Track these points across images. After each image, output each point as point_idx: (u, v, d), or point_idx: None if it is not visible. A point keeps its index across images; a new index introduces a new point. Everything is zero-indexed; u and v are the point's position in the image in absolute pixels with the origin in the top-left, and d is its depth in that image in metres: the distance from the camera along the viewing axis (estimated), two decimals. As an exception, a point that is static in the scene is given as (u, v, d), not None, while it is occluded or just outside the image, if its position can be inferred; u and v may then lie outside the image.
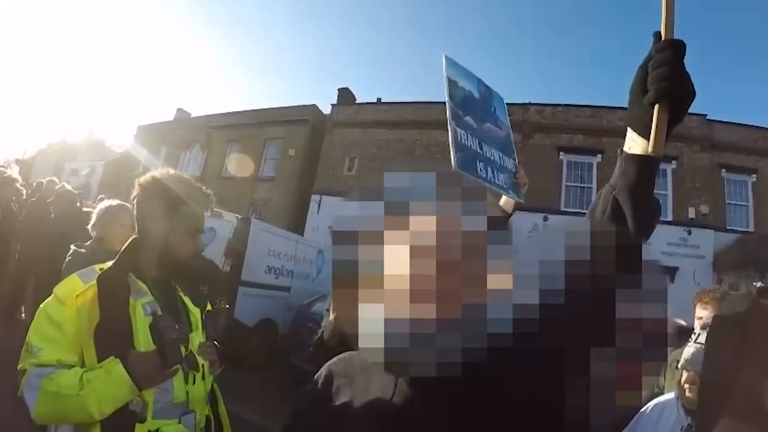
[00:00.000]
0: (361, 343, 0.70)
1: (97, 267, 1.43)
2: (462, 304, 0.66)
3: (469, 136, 1.76)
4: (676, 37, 0.77)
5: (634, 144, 0.81)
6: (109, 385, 1.22)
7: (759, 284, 1.23)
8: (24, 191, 6.25)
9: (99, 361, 1.26)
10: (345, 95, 20.43)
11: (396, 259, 0.68)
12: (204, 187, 1.57)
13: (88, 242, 2.76)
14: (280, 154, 19.94)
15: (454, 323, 0.65)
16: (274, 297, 7.85)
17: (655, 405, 1.89)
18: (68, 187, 6.12)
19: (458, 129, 1.71)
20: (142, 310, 1.36)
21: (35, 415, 1.24)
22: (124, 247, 1.48)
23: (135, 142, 26.71)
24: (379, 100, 20.40)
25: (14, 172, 6.69)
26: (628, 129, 0.83)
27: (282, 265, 8.08)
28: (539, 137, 15.44)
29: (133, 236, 1.50)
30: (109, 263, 1.44)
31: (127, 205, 2.58)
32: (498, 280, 0.69)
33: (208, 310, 1.64)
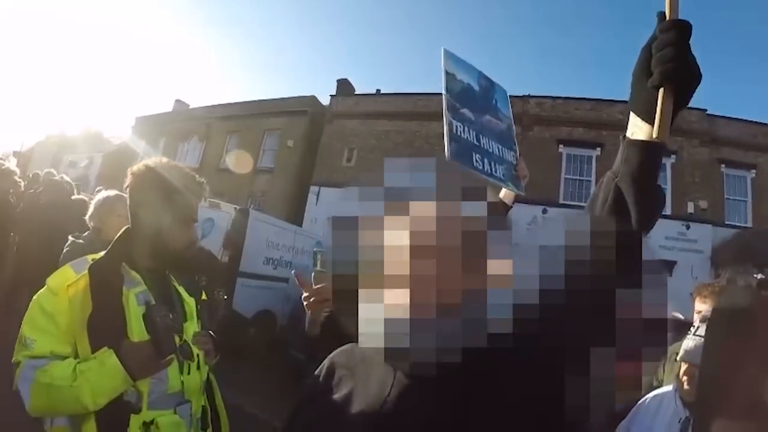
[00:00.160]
0: (361, 329, 0.70)
1: (90, 257, 1.42)
2: (462, 289, 0.66)
3: (465, 128, 1.76)
4: (681, 17, 0.73)
5: (638, 129, 0.78)
6: (102, 375, 1.21)
7: (760, 276, 1.22)
8: (22, 183, 6.23)
9: (93, 352, 1.25)
10: (344, 86, 20.33)
11: (396, 245, 0.67)
12: (197, 176, 1.55)
13: (86, 233, 2.75)
14: (278, 145, 19.88)
15: (454, 309, 0.65)
16: (272, 288, 7.87)
17: (654, 397, 1.89)
18: (67, 178, 6.11)
19: (454, 121, 1.71)
20: (135, 299, 1.35)
21: (30, 408, 1.23)
22: (117, 236, 1.46)
23: (133, 134, 26.61)
24: (378, 91, 20.34)
25: (12, 164, 6.66)
26: (631, 114, 0.80)
27: (280, 256, 8.09)
28: (539, 130, 15.42)
29: (127, 226, 1.49)
30: (102, 253, 1.43)
31: (125, 195, 2.57)
32: (498, 266, 0.69)
33: (203, 300, 1.63)
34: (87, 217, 2.78)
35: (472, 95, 1.89)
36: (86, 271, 1.34)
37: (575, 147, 15.26)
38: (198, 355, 1.46)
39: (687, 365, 1.73)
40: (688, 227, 13.42)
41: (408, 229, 0.68)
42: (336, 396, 0.81)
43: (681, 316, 3.11)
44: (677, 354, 1.83)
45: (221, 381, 1.66)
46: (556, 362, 0.62)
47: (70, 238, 2.71)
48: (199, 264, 1.65)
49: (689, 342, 1.74)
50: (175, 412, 1.36)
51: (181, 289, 1.54)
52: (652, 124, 0.73)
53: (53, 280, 1.36)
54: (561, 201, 14.66)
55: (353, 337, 0.75)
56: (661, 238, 12.92)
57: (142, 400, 1.29)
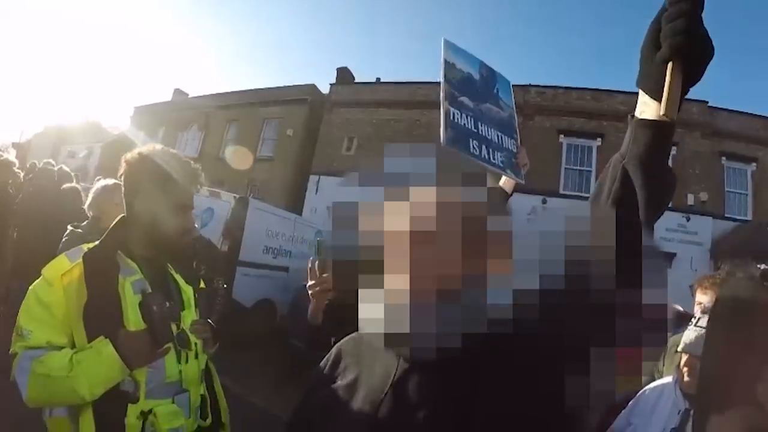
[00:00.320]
0: (361, 315, 0.71)
1: (85, 246, 1.41)
2: (462, 275, 0.66)
3: (463, 115, 1.76)
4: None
5: (646, 108, 0.73)
6: (99, 365, 1.20)
7: (763, 266, 1.21)
8: (21, 174, 6.21)
9: (89, 341, 1.24)
10: (344, 75, 20.22)
11: (396, 231, 0.67)
12: (192, 163, 1.53)
13: (85, 222, 2.74)
14: (278, 134, 19.82)
15: (454, 294, 0.65)
16: (272, 277, 7.88)
17: (654, 388, 1.89)
18: (66, 169, 6.09)
19: (452, 108, 1.72)
20: (131, 288, 1.34)
21: (27, 399, 1.23)
22: (113, 224, 1.45)
23: (132, 124, 26.51)
24: (378, 79, 20.25)
25: (11, 155, 6.64)
26: (640, 91, 0.75)
27: (280, 245, 8.10)
28: (539, 119, 15.36)
29: (122, 214, 1.47)
30: (97, 242, 1.42)
31: (123, 184, 2.56)
32: (498, 252, 0.69)
33: (201, 288, 1.62)
34: (86, 206, 2.78)
35: (472, 84, 1.89)
36: (80, 260, 1.33)
37: (576, 137, 15.21)
38: (196, 344, 1.46)
39: (688, 356, 1.73)
40: (688, 219, 13.43)
41: (408, 214, 0.67)
42: (341, 383, 0.82)
43: (681, 308, 3.11)
44: (677, 345, 1.83)
45: (220, 370, 1.65)
46: (556, 347, 0.62)
47: (69, 227, 2.70)
48: (198, 253, 1.64)
49: (690, 333, 1.74)
50: (173, 402, 1.35)
51: (179, 278, 1.53)
52: (660, 101, 0.69)
53: (48, 269, 1.34)
54: (561, 191, 14.65)
55: (355, 325, 0.75)
56: (662, 230, 12.92)
57: (139, 389, 1.29)
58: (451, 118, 1.70)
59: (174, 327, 1.36)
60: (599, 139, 14.78)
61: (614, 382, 0.62)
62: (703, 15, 0.68)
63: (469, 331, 0.65)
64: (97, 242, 1.41)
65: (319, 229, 9.54)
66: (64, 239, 2.62)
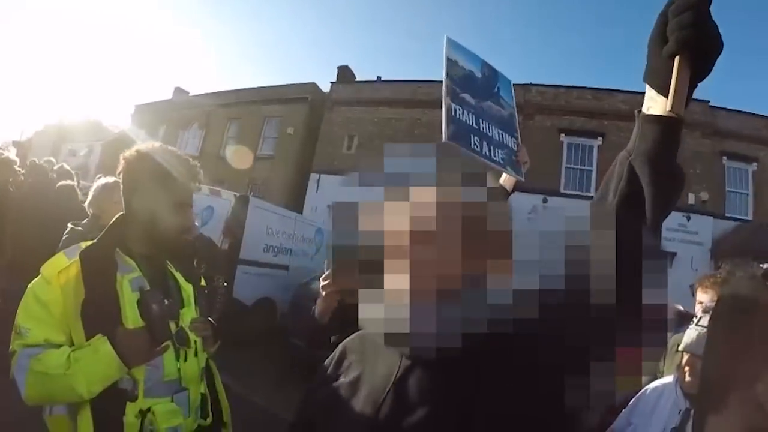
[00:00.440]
0: (361, 314, 0.71)
1: (83, 244, 1.40)
2: (462, 274, 0.66)
3: (465, 111, 1.76)
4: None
5: (653, 103, 0.71)
6: (96, 363, 1.20)
7: (764, 266, 1.21)
8: (21, 172, 6.21)
9: (87, 339, 1.24)
10: (344, 73, 20.20)
11: (396, 230, 0.67)
12: (191, 160, 1.52)
13: (85, 220, 2.74)
14: (279, 132, 19.81)
15: (454, 294, 0.65)
16: (272, 275, 7.87)
17: (654, 388, 1.89)
18: (67, 167, 6.10)
19: (453, 104, 1.73)
20: (129, 285, 1.33)
21: (25, 397, 1.22)
22: (111, 222, 1.45)
23: (133, 122, 26.51)
24: (379, 78, 20.22)
25: (12, 154, 6.65)
26: (647, 86, 0.73)
27: (280, 244, 8.09)
28: (540, 118, 15.34)
29: (121, 212, 1.47)
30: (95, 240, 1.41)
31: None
32: (498, 252, 0.68)
33: (202, 286, 1.61)
34: (86, 205, 2.78)
35: (474, 82, 1.90)
36: (77, 258, 1.32)
37: (577, 136, 15.19)
38: (195, 342, 1.45)
39: (689, 356, 1.72)
40: (688, 219, 13.41)
41: (408, 214, 0.67)
42: (345, 380, 0.82)
43: (681, 308, 3.11)
44: (678, 345, 1.83)
45: (220, 368, 1.65)
46: (557, 349, 0.62)
47: (69, 225, 2.70)
48: (198, 251, 1.64)
49: (691, 333, 1.73)
50: (173, 400, 1.35)
51: (179, 275, 1.52)
52: (667, 96, 0.67)
53: (46, 268, 1.34)
54: (562, 190, 14.64)
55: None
56: (662, 230, 12.89)
57: (138, 387, 1.28)
58: (453, 113, 1.71)
59: (173, 325, 1.35)
60: (600, 139, 14.76)
61: (614, 382, 0.62)
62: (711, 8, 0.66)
63: (469, 331, 0.64)
64: (94, 240, 1.41)
65: (319, 227, 9.53)
66: (64, 237, 2.62)
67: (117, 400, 1.25)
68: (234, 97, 22.04)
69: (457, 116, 1.72)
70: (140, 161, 1.43)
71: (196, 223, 3.21)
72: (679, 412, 1.71)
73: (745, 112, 14.72)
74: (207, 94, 24.04)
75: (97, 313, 1.26)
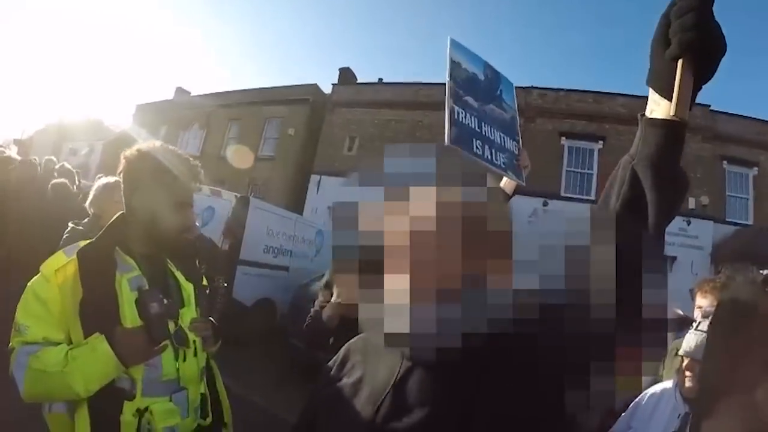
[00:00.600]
0: (362, 315, 0.71)
1: (82, 242, 1.40)
2: (462, 274, 0.65)
3: (467, 114, 1.76)
4: None
5: (656, 107, 0.71)
6: (93, 361, 1.20)
7: (766, 272, 1.21)
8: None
9: (86, 338, 1.24)
10: (346, 75, 20.25)
11: (396, 230, 0.67)
12: (192, 160, 1.52)
13: (86, 219, 2.75)
14: (280, 133, 19.83)
15: (454, 294, 0.65)
16: (272, 276, 7.86)
17: (654, 392, 1.89)
18: (68, 166, 6.10)
19: (456, 107, 1.72)
20: (127, 285, 1.33)
21: (24, 394, 1.23)
22: (111, 221, 1.45)
23: (134, 122, 26.53)
24: (380, 80, 20.24)
25: (12, 152, 6.66)
26: (650, 90, 0.72)
27: (281, 245, 8.09)
28: (541, 122, 15.35)
29: (121, 211, 1.47)
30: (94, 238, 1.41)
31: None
32: (498, 252, 0.68)
33: (203, 286, 1.61)
34: (87, 204, 2.78)
35: (477, 84, 1.89)
36: (74, 257, 1.32)
37: (577, 140, 15.20)
38: (195, 342, 1.45)
39: (688, 360, 1.72)
40: (689, 223, 13.40)
41: (408, 214, 0.67)
42: (347, 381, 0.82)
43: (681, 312, 3.11)
44: (677, 349, 1.83)
45: (220, 369, 1.64)
46: (557, 349, 0.62)
47: (70, 224, 2.72)
48: (198, 251, 1.64)
49: (691, 337, 1.73)
50: (171, 400, 1.34)
51: (179, 275, 1.52)
52: (671, 100, 0.66)
53: (46, 266, 1.34)
54: (562, 194, 14.64)
55: None
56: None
57: (136, 386, 1.28)
58: (456, 116, 1.70)
59: (172, 324, 1.35)
60: (601, 142, 14.76)
61: (614, 382, 0.62)
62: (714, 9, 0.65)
63: (469, 331, 0.64)
64: (93, 239, 1.41)
65: (320, 229, 9.53)
66: (64, 236, 2.64)
67: (114, 398, 1.25)
68: (235, 97, 22.08)
69: (460, 119, 1.72)
70: (141, 160, 1.43)
71: (197, 224, 3.21)
72: (679, 417, 1.71)
73: (745, 116, 14.73)
74: (208, 94, 24.08)
75: (96, 311, 1.26)
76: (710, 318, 1.50)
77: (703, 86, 0.69)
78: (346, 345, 0.93)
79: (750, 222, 13.73)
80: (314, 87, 20.26)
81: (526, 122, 14.64)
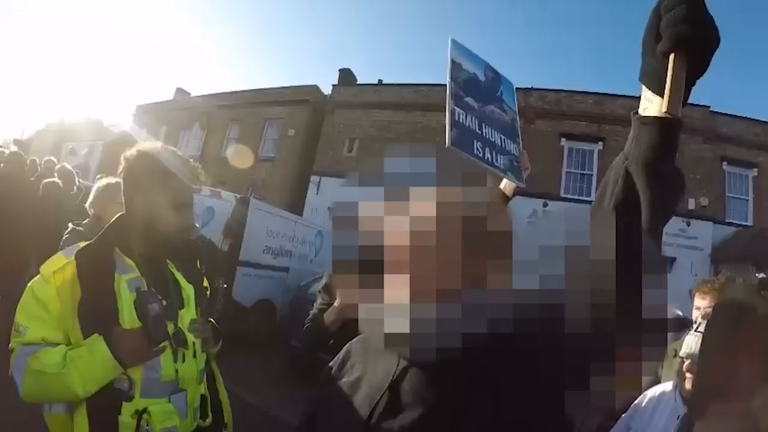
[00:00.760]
0: (361, 315, 0.70)
1: (82, 243, 1.40)
2: (462, 275, 0.65)
3: (468, 116, 1.75)
4: None
5: (649, 104, 0.69)
6: (91, 362, 1.20)
7: (761, 275, 1.21)
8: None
9: (84, 339, 1.24)
10: (346, 76, 20.25)
11: (396, 231, 0.67)
12: (192, 161, 1.52)
13: (86, 220, 2.75)
14: (280, 134, 19.83)
15: (454, 295, 0.65)
16: (272, 277, 7.88)
17: (653, 394, 1.89)
18: (68, 166, 6.10)
19: (457, 108, 1.71)
20: (126, 286, 1.33)
21: (23, 394, 1.23)
22: (110, 222, 1.45)
23: (134, 122, 26.53)
24: (380, 81, 20.23)
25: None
26: (642, 87, 0.71)
27: (280, 246, 8.09)
28: (541, 123, 15.34)
29: (121, 212, 1.47)
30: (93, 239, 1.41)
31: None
32: (498, 252, 0.68)
33: (204, 286, 1.61)
34: (87, 205, 2.78)
35: (478, 85, 1.89)
36: (73, 258, 1.33)
37: (577, 141, 15.20)
38: (194, 343, 1.44)
39: (689, 362, 1.72)
40: (688, 224, 13.40)
41: (408, 214, 0.67)
42: (346, 381, 0.83)
43: (681, 313, 3.11)
44: (676, 351, 1.83)
45: (219, 369, 1.64)
46: (556, 349, 0.62)
47: (70, 225, 2.72)
48: (198, 252, 1.64)
49: (691, 339, 1.73)
50: (169, 401, 1.34)
51: (179, 276, 1.52)
52: (663, 96, 0.64)
53: (45, 267, 1.34)
54: (562, 195, 14.65)
55: None
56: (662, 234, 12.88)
57: (134, 388, 1.28)
58: (456, 118, 1.70)
59: (171, 326, 1.35)
60: (600, 143, 14.77)
61: (614, 382, 0.61)
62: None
63: (469, 331, 0.64)
64: (92, 240, 1.41)
65: (319, 230, 9.53)
66: (64, 237, 2.64)
67: (113, 399, 1.25)
68: (235, 98, 22.06)
69: (461, 120, 1.71)
70: (141, 161, 1.43)
71: (197, 224, 3.21)
72: (678, 418, 1.71)
73: (745, 117, 14.74)
74: (208, 95, 24.06)
75: (94, 312, 1.26)
76: (707, 320, 1.51)
77: (697, 81, 0.67)
78: (346, 345, 0.93)
79: (750, 223, 13.73)
80: (314, 88, 20.27)
81: (526, 123, 14.64)
